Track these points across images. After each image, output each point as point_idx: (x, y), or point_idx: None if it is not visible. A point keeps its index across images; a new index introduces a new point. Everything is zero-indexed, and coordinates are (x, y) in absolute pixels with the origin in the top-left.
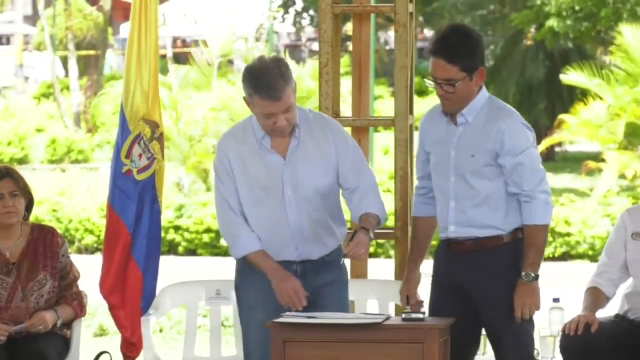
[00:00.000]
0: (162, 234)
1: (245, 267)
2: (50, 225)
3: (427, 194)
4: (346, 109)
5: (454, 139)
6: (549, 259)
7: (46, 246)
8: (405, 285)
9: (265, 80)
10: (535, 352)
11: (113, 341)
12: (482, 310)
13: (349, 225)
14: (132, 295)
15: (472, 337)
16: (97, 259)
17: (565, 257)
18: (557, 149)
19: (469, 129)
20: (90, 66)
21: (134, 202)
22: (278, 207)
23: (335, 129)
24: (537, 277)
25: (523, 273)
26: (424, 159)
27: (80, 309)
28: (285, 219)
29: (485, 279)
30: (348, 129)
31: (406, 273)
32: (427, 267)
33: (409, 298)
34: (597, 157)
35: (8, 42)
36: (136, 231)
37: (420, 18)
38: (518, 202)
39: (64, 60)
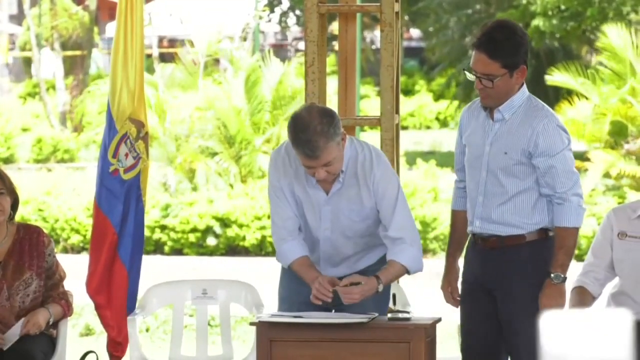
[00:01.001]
0: (149, 234)
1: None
2: (36, 225)
3: (465, 187)
4: (332, 108)
5: (490, 135)
6: None
7: (32, 245)
8: (447, 280)
9: (304, 137)
10: None
11: (99, 341)
12: (500, 305)
13: None
14: (118, 295)
15: (499, 335)
16: (84, 258)
17: None
18: None
19: (505, 126)
20: (76, 66)
21: (121, 201)
22: (313, 236)
23: (379, 175)
24: (565, 278)
25: (552, 274)
26: (461, 150)
27: (67, 308)
28: (317, 247)
29: (504, 275)
30: None
31: (445, 267)
32: (433, 266)
33: (452, 292)
34: (582, 156)
35: None
36: (122, 230)
37: (406, 17)
38: (550, 204)
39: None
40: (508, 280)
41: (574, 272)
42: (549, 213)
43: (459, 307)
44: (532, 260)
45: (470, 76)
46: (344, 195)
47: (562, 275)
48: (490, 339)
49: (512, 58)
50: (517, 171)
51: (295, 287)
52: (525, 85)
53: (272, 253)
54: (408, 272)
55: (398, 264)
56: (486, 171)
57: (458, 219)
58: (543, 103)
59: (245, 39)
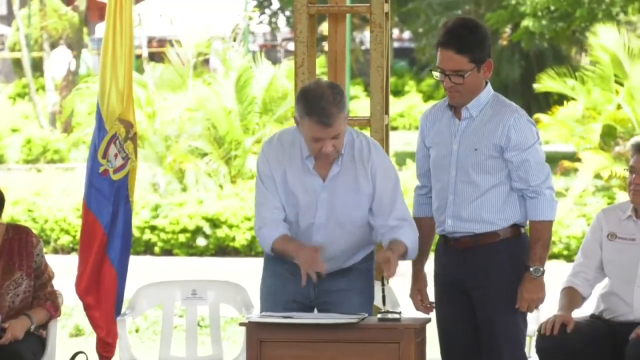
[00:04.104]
0: (138, 235)
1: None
2: (25, 225)
3: (428, 193)
4: None
5: (457, 134)
6: None
7: (21, 246)
8: (416, 287)
9: (319, 105)
10: None
11: (89, 341)
12: (478, 304)
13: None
14: (107, 296)
15: (476, 335)
16: (73, 259)
17: None
18: None
19: (473, 124)
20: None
21: (110, 202)
22: (306, 226)
23: (377, 162)
24: (544, 272)
25: (532, 268)
26: (423, 154)
27: (54, 310)
28: (310, 239)
29: (482, 276)
30: None
31: (412, 274)
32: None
33: (422, 300)
34: (572, 157)
35: None
36: (111, 231)
37: (396, 18)
38: (523, 198)
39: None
40: (487, 281)
41: (564, 273)
42: (520, 208)
43: (435, 309)
44: (509, 259)
45: (437, 75)
46: (341, 180)
47: (541, 269)
48: (469, 339)
49: (479, 52)
50: (489, 167)
51: (280, 285)
52: (489, 83)
53: (262, 254)
54: (404, 257)
55: (402, 243)
56: (455, 170)
57: (422, 225)
58: (509, 100)
59: (235, 40)
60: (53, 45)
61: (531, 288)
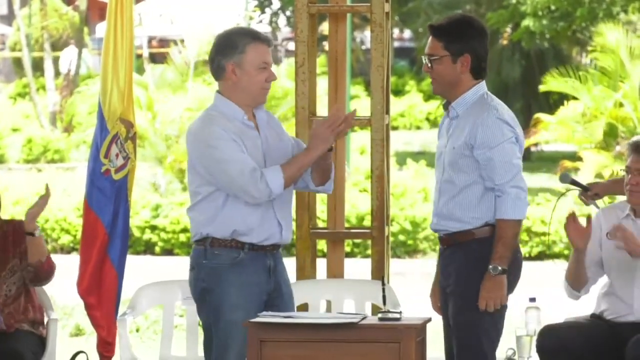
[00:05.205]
0: (139, 234)
1: (220, 266)
2: (20, 219)
3: None
4: (322, 108)
5: (448, 132)
6: (525, 258)
7: (15, 234)
8: (433, 288)
9: (253, 30)
10: (512, 351)
11: (89, 341)
12: (447, 304)
13: None
14: (107, 295)
15: None
16: (74, 258)
17: (541, 256)
18: (532, 149)
19: (458, 123)
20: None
21: (111, 201)
22: None
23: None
24: (504, 270)
25: (490, 266)
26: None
27: (51, 262)
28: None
29: (451, 275)
30: None
31: (435, 274)
32: (423, 266)
33: (436, 300)
34: (573, 156)
35: None
36: (112, 231)
37: (397, 18)
38: (494, 198)
39: (40, 61)
40: (452, 280)
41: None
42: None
43: None
44: (479, 259)
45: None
46: (269, 126)
47: (500, 267)
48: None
49: (456, 42)
50: (463, 165)
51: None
52: (482, 84)
53: None
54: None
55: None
56: (442, 168)
57: None
58: (498, 100)
59: None
60: (54, 45)
61: (489, 286)
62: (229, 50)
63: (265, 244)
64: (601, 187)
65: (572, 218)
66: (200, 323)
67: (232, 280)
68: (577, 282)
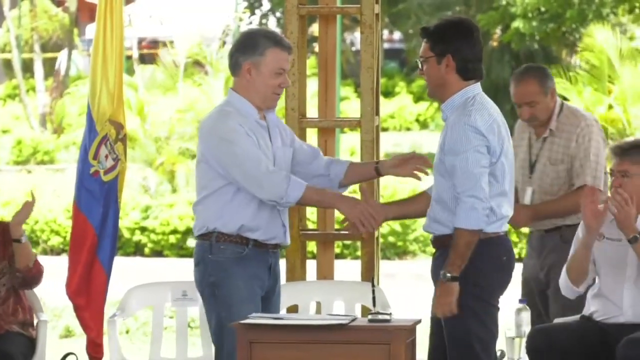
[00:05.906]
0: (129, 236)
1: (226, 261)
2: (9, 221)
3: None
4: (312, 110)
5: (441, 135)
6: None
7: (4, 235)
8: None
9: (277, 35)
10: (501, 353)
11: (79, 342)
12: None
13: None
14: (96, 297)
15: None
16: (63, 260)
17: None
18: None
19: (445, 125)
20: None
21: (101, 203)
22: None
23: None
24: (453, 278)
25: (441, 272)
26: None
27: (39, 265)
28: None
29: (435, 277)
30: (314, 130)
31: None
32: (413, 268)
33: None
34: None
35: None
36: (102, 232)
37: (386, 19)
38: None
39: (30, 62)
40: (436, 281)
41: None
42: None
43: None
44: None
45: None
46: (277, 128)
47: (449, 275)
48: (438, 340)
49: (440, 43)
50: (441, 169)
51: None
52: (473, 86)
53: None
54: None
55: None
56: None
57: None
58: (482, 104)
59: (225, 41)
60: (43, 47)
61: (440, 292)
62: (249, 50)
63: (269, 243)
64: None
65: (590, 199)
66: (190, 324)
67: (240, 274)
68: (578, 274)
